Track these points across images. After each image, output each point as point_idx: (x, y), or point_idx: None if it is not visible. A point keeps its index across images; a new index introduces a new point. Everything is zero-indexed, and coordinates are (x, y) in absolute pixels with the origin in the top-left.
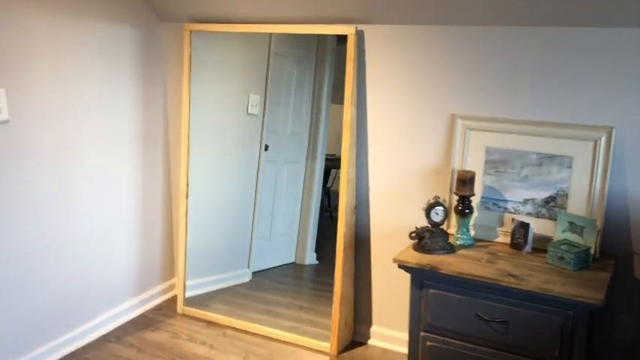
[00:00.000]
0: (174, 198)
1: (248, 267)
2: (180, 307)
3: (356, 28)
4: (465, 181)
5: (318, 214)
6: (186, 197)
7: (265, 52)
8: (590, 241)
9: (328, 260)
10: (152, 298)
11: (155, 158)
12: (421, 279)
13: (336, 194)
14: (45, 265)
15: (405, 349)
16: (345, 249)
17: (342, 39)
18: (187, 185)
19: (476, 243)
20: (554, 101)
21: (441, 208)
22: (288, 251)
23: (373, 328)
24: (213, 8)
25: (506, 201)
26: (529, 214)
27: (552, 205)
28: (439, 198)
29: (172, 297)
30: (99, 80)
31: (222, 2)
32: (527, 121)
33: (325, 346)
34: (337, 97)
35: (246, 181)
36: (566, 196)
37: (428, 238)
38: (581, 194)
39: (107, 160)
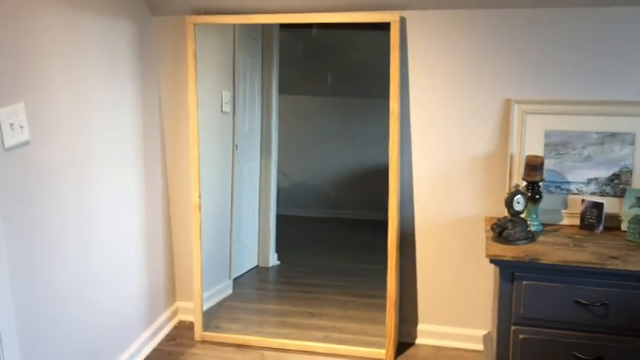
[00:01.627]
0: (172, 212)
1: (229, 277)
2: (198, 333)
3: (400, 14)
4: (536, 166)
5: (275, 213)
6: (199, 210)
7: (230, 44)
8: None
9: (289, 259)
10: (161, 328)
11: (155, 170)
12: (512, 271)
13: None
14: (77, 301)
15: (458, 343)
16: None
17: (284, 26)
18: (199, 197)
19: (545, 228)
20: (612, 79)
21: (522, 196)
22: (252, 254)
23: (420, 327)
24: None
25: (569, 183)
26: (593, 193)
27: (617, 183)
28: (519, 186)
29: (178, 323)
30: (105, 89)
31: None
32: (586, 101)
33: (379, 352)
34: (285, 87)
35: (223, 185)
36: (630, 172)
37: (511, 228)
38: None
39: (116, 177)
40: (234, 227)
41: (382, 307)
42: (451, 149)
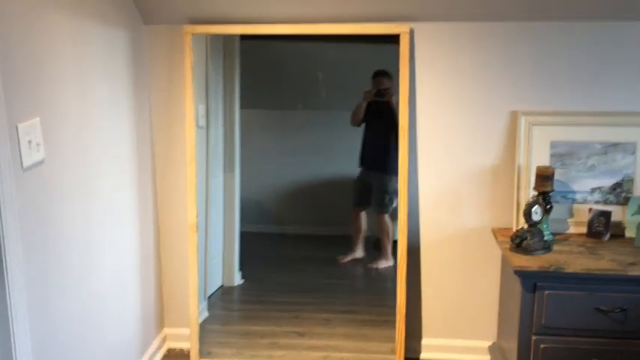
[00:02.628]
0: (162, 233)
1: (205, 299)
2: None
3: (409, 26)
4: (548, 176)
5: (239, 230)
6: (196, 230)
7: (203, 55)
8: None
9: (251, 277)
10: (153, 357)
11: (146, 187)
12: (534, 282)
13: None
14: (84, 325)
15: (463, 356)
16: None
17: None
18: (197, 216)
19: (554, 237)
20: (614, 91)
21: (539, 206)
22: (217, 273)
23: (424, 341)
24: (221, 6)
25: (574, 192)
26: (597, 202)
27: (619, 192)
28: (538, 197)
29: (168, 352)
30: (104, 102)
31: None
32: (589, 112)
33: None
34: (246, 101)
35: (199, 203)
36: (631, 181)
37: (530, 239)
38: None
39: (115, 196)
40: (201, 247)
41: (368, 323)
42: (457, 161)
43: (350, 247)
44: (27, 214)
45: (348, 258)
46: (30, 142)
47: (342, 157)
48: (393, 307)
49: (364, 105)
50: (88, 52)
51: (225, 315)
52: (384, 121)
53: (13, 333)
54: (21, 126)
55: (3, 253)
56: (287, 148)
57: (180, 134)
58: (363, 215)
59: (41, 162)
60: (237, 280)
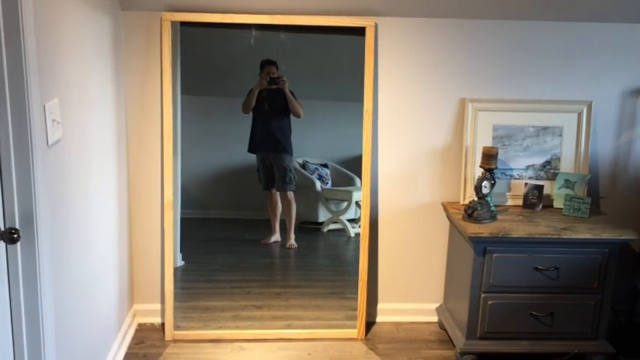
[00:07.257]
0: (133, 212)
1: None
2: (169, 333)
3: (374, 21)
4: (492, 155)
5: (180, 211)
6: (172, 208)
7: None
8: (580, 192)
9: (191, 259)
10: (127, 332)
11: (122, 168)
12: (484, 246)
13: None
14: (85, 298)
15: (414, 318)
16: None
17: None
18: (173, 195)
19: (496, 209)
20: (545, 82)
21: (487, 181)
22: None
23: (379, 306)
24: None
25: (511, 169)
26: (530, 177)
27: (549, 168)
28: (486, 174)
29: (139, 326)
30: (97, 85)
31: None
32: (525, 100)
33: (352, 332)
34: (186, 87)
35: None
36: (558, 159)
37: (480, 210)
38: (570, 156)
39: (104, 176)
40: None
41: (317, 295)
42: (413, 142)
43: (270, 230)
44: (52, 190)
45: (271, 240)
46: (53, 120)
47: None
48: (334, 281)
49: (256, 93)
50: (84, 36)
51: (180, 293)
52: (279, 106)
53: (41, 304)
54: (47, 105)
55: (35, 229)
56: (209, 134)
57: (151, 117)
58: (277, 196)
59: (59, 140)
60: (179, 261)
